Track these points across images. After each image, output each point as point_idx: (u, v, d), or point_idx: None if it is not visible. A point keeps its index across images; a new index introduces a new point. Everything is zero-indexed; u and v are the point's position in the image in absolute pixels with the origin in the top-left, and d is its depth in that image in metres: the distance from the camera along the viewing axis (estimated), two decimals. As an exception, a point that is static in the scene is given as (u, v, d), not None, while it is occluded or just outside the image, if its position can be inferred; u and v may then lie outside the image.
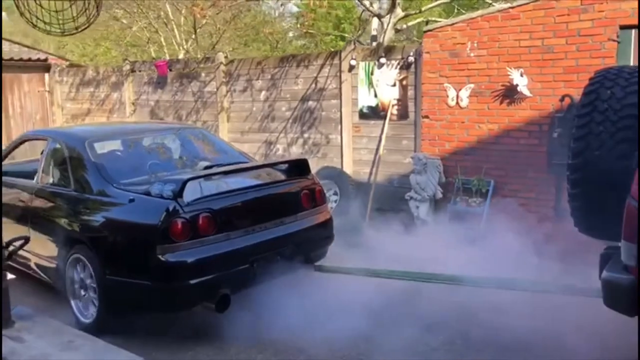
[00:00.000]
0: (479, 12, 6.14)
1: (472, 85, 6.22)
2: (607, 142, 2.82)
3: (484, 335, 3.88)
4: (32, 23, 2.28)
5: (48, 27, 2.25)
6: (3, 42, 11.83)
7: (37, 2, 2.06)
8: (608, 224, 2.73)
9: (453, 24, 6.31)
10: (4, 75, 11.26)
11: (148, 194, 4.00)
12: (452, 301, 4.36)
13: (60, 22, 2.25)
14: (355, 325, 3.96)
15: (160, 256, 3.80)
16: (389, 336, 3.93)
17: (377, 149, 7.29)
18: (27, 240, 3.14)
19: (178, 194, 3.86)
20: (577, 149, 2.94)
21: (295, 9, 18.91)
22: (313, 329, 3.90)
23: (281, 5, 13.36)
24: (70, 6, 2.12)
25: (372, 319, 4.11)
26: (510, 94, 5.96)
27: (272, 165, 5.05)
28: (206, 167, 4.83)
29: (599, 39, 5.37)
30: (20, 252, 4.83)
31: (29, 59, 11.53)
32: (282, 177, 4.77)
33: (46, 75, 11.76)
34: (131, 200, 4.07)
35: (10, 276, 5.51)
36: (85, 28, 2.33)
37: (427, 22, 9.91)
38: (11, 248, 3.09)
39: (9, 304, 2.88)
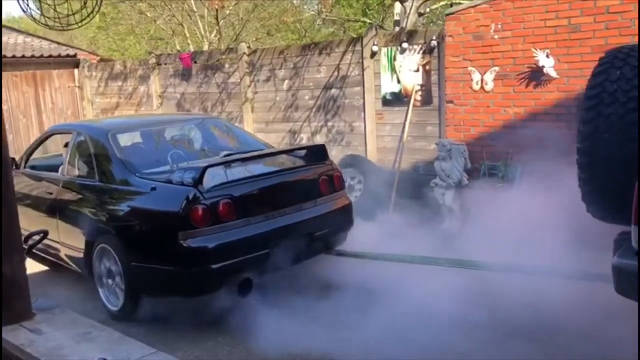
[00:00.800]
0: (503, -7, 5.97)
1: (496, 68, 6.07)
2: (616, 124, 2.70)
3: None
4: (33, 18, 2.31)
5: (50, 22, 2.27)
6: (33, 39, 12.09)
7: (37, -1, 2.08)
8: (619, 208, 2.63)
9: (476, 5, 6.15)
10: (35, 72, 11.52)
11: (169, 181, 4.09)
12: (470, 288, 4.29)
13: (62, 15, 2.27)
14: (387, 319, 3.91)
15: (182, 242, 3.88)
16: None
17: (401, 136, 7.20)
18: (45, 234, 3.21)
19: (198, 181, 3.93)
20: (586, 131, 2.83)
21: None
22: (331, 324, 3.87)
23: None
24: (67, 0, 2.14)
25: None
26: (536, 76, 5.79)
27: (290, 151, 5.07)
28: (227, 155, 4.89)
29: (629, 15, 5.15)
30: (50, 243, 5.00)
31: (59, 55, 11.75)
32: (301, 163, 4.78)
33: (76, 70, 11.98)
34: (153, 189, 4.15)
35: (43, 267, 5.70)
36: (88, 22, 2.35)
37: (451, 5, 9.70)
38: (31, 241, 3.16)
39: (29, 297, 2.94)
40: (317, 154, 4.84)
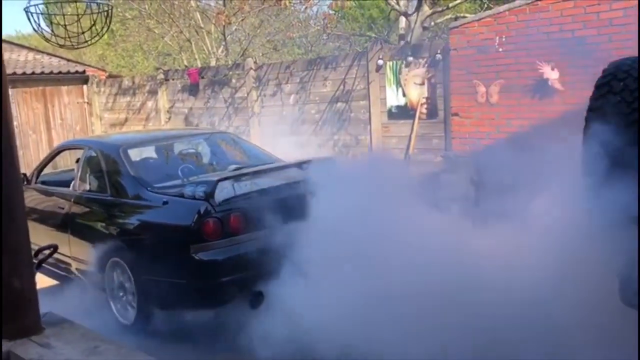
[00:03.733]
0: (506, 6, 6.03)
1: (501, 81, 6.10)
2: None
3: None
4: (45, 38, 2.37)
5: (61, 41, 2.32)
6: (43, 55, 12.25)
7: (48, 18, 2.14)
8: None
9: (480, 19, 6.21)
10: (45, 88, 11.67)
11: (181, 195, 4.12)
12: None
13: (72, 34, 2.33)
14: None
15: (194, 255, 3.89)
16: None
17: (407, 149, 7.23)
18: (55, 248, 3.23)
19: (210, 195, 3.96)
20: None
21: (326, 10, 18.89)
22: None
23: (305, 8, 13.44)
24: (79, 20, 2.19)
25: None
26: (541, 88, 5.82)
27: (300, 164, 5.07)
28: (237, 169, 4.92)
29: (632, 27, 5.18)
30: (61, 258, 5.03)
31: (68, 72, 11.90)
32: (312, 175, 4.79)
33: (84, 86, 12.12)
34: (165, 203, 4.19)
35: (52, 282, 5.72)
36: (98, 40, 2.40)
37: (455, 18, 9.76)
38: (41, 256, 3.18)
39: (39, 311, 2.95)
40: (327, 166, 4.85)
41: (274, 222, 4.21)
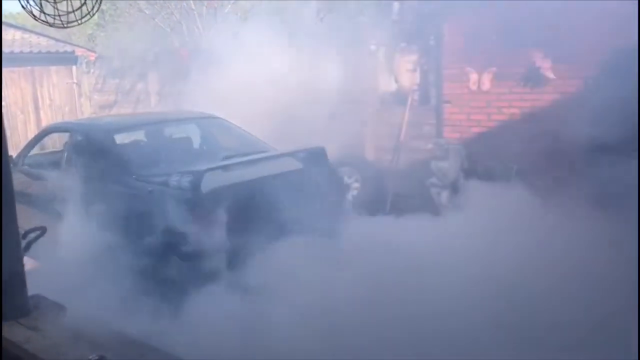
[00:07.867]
0: (500, -7, 5.99)
1: (493, 69, 6.09)
2: None
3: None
4: (33, 15, 2.33)
5: (50, 19, 2.28)
6: (31, 35, 12.07)
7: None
8: None
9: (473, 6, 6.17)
10: (33, 68, 11.50)
11: (167, 185, 4.06)
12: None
13: (62, 13, 2.29)
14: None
15: (179, 246, 3.85)
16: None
17: (399, 136, 7.22)
18: (44, 230, 3.21)
19: (196, 185, 3.89)
20: None
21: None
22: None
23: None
24: (68, -3, 2.16)
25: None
26: (533, 76, 5.81)
27: (290, 154, 5.03)
28: (226, 157, 4.87)
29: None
30: (47, 241, 4.98)
31: (57, 51, 11.74)
32: (301, 165, 4.77)
33: (74, 67, 11.96)
34: (150, 192, 4.13)
35: (40, 265, 5.68)
36: (88, 19, 2.36)
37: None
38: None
39: (27, 293, 2.93)
40: (316, 155, 4.83)
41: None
